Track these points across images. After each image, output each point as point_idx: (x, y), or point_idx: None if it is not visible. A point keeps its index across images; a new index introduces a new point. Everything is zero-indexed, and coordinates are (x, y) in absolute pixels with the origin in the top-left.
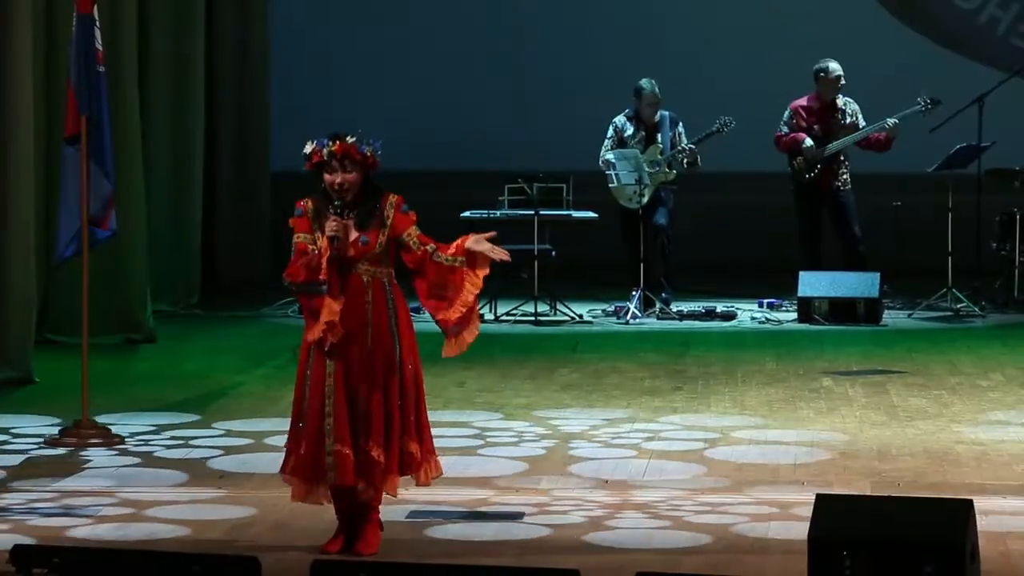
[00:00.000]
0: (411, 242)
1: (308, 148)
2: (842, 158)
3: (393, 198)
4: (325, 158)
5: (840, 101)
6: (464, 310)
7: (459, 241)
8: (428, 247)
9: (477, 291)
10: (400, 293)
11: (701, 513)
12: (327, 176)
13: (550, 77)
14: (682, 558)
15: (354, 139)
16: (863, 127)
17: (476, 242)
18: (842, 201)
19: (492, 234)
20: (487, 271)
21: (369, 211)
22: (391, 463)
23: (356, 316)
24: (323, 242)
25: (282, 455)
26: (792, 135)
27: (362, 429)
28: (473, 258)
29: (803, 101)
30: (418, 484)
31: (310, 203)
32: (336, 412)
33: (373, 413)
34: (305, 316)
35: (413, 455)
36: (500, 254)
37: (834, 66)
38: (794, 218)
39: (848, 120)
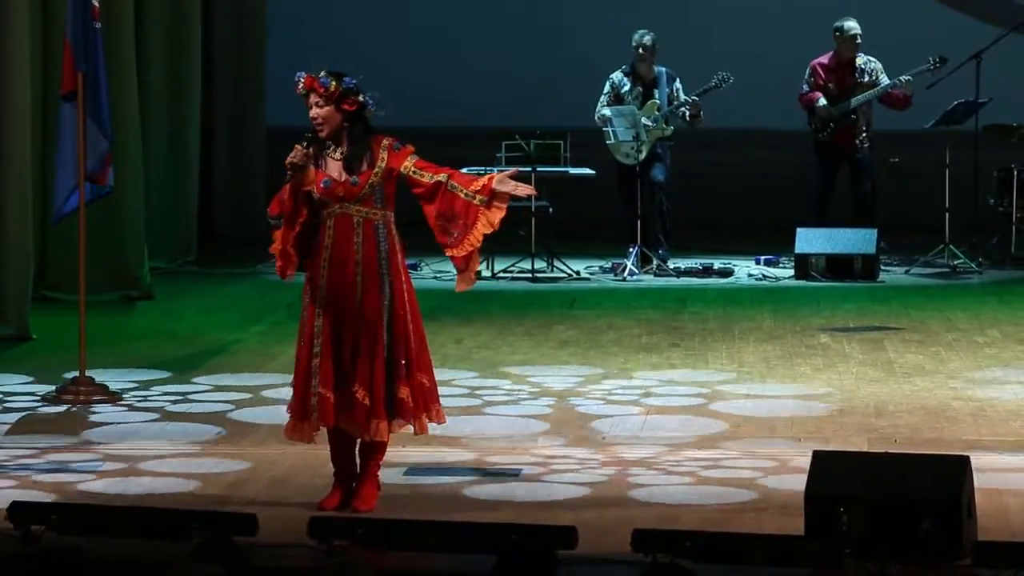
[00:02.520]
0: (411, 173)
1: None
2: (856, 116)
3: (386, 140)
4: (301, 92)
5: (860, 60)
6: (471, 250)
7: (486, 179)
8: (440, 176)
9: (489, 231)
10: (395, 237)
11: (698, 469)
12: (309, 112)
13: (547, 33)
14: (679, 514)
15: (323, 74)
16: (884, 84)
17: (500, 181)
18: (859, 158)
19: (515, 171)
20: (503, 213)
21: (359, 152)
22: (377, 407)
23: (345, 257)
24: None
25: (278, 408)
26: (809, 94)
27: (348, 371)
28: (492, 197)
29: (823, 59)
30: (415, 433)
31: (305, 142)
32: (323, 353)
33: (360, 355)
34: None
35: (404, 400)
36: (525, 189)
37: (851, 24)
38: (810, 173)
39: (867, 79)
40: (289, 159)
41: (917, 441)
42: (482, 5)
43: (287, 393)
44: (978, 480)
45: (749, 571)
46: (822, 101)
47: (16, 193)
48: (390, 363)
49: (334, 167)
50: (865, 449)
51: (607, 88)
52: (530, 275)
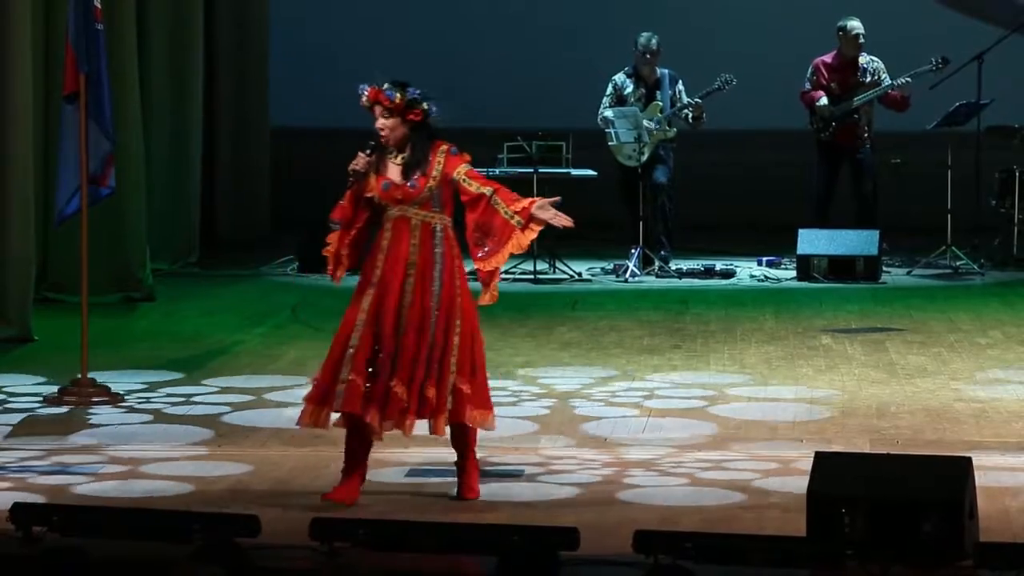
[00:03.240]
0: (461, 180)
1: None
2: (858, 116)
3: (444, 145)
4: (365, 104)
5: (864, 59)
6: (496, 266)
7: (527, 202)
8: (486, 189)
9: (517, 252)
10: (452, 242)
11: (700, 471)
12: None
13: (550, 34)
14: (680, 515)
15: (387, 85)
16: (885, 84)
17: (541, 207)
18: (860, 158)
19: (557, 199)
20: (535, 236)
21: (418, 158)
22: (412, 404)
23: (399, 256)
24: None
25: (280, 411)
26: (810, 92)
27: (387, 366)
28: (530, 220)
29: (826, 58)
30: (431, 432)
31: (368, 149)
32: (360, 344)
33: (401, 353)
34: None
35: (429, 400)
36: (563, 220)
37: (854, 23)
38: (811, 174)
39: (870, 78)
40: (352, 165)
41: (919, 442)
42: (483, 6)
43: (289, 395)
44: (980, 481)
45: (751, 572)
46: (823, 100)
47: (18, 195)
48: (427, 364)
49: (394, 171)
50: (867, 450)
51: (610, 90)
52: (532, 276)
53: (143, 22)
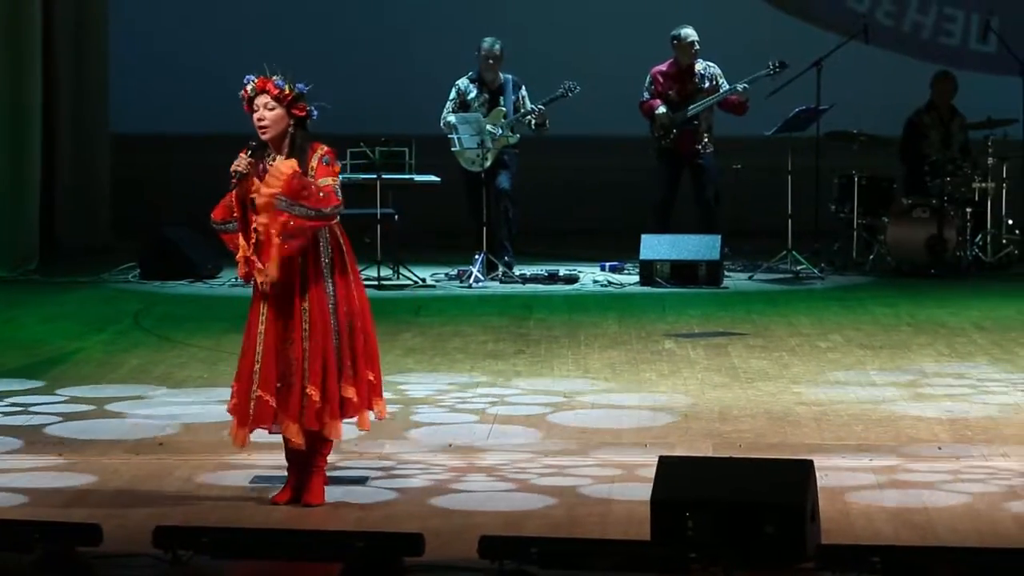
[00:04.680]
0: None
1: (241, 91)
2: (697, 122)
3: (321, 149)
4: (250, 94)
5: (699, 66)
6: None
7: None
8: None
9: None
10: (340, 238)
11: (545, 476)
12: (254, 116)
13: (391, 39)
14: (526, 520)
15: (275, 76)
16: (724, 90)
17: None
18: (700, 164)
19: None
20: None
21: (297, 157)
22: (331, 406)
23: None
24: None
25: (122, 421)
26: (649, 101)
27: (295, 372)
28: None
29: (662, 67)
30: (359, 427)
31: (248, 150)
32: (264, 357)
33: (311, 355)
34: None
35: (350, 400)
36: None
37: (687, 31)
38: (653, 180)
39: (708, 84)
40: (234, 166)
41: (761, 445)
42: (327, 11)
43: (131, 404)
44: (821, 483)
45: None
46: (662, 108)
47: None
48: (339, 362)
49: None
50: (710, 454)
51: (453, 95)
52: (376, 282)
53: None
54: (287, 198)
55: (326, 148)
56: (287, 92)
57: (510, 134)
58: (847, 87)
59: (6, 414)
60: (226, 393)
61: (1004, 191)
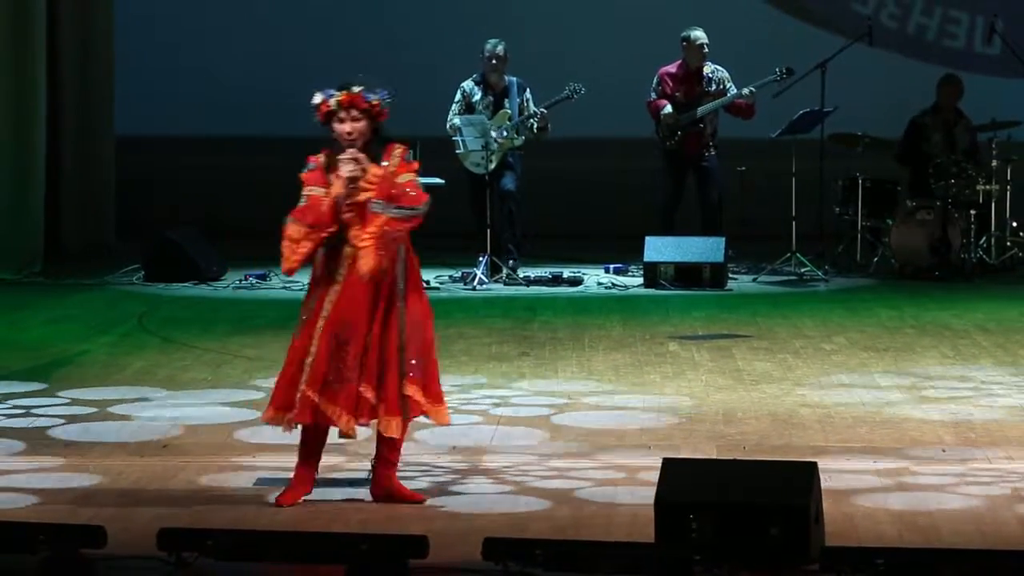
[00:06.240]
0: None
1: (316, 99)
2: (703, 125)
3: (399, 148)
4: (333, 107)
5: (708, 69)
6: None
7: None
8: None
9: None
10: (409, 243)
11: (549, 478)
12: (336, 126)
13: (395, 41)
14: (529, 523)
15: (360, 88)
16: (731, 94)
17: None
18: (705, 166)
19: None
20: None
21: (375, 161)
22: (390, 405)
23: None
24: (334, 187)
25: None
26: (656, 101)
27: (351, 371)
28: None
29: (671, 68)
30: (440, 423)
31: (322, 157)
32: (317, 354)
33: (371, 356)
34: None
35: (411, 397)
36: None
37: (697, 34)
38: (658, 182)
39: (715, 87)
40: (350, 173)
41: (765, 448)
42: (332, 13)
43: (135, 406)
44: (825, 485)
45: None
46: (668, 109)
47: None
48: (401, 364)
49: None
50: (714, 456)
51: (458, 97)
52: None
53: None
54: (382, 201)
55: (401, 146)
56: (375, 104)
57: (515, 136)
58: (851, 89)
59: (10, 416)
60: (230, 395)
61: (1008, 193)
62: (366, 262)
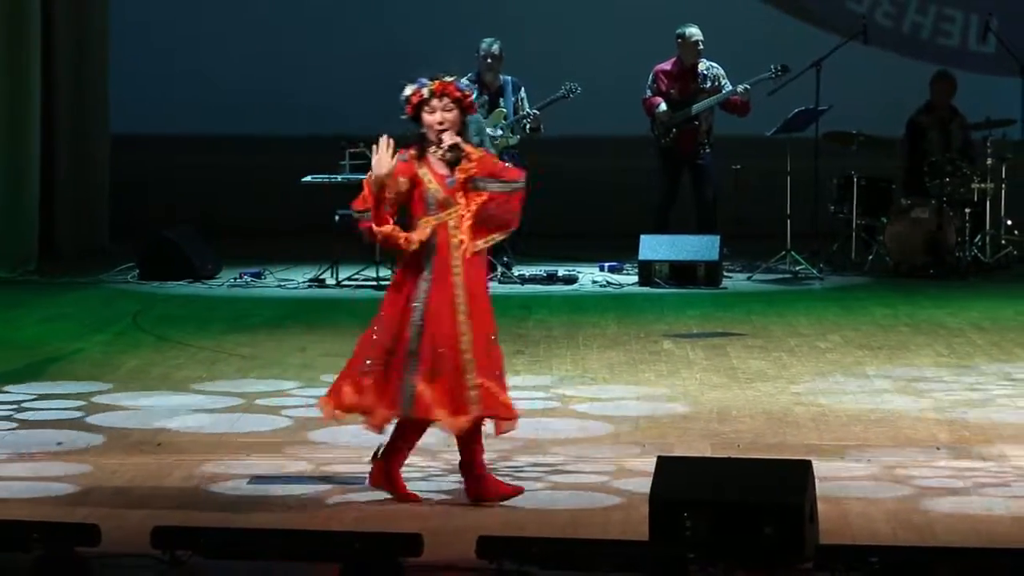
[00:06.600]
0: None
1: (407, 91)
2: (698, 122)
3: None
4: (426, 96)
5: (703, 66)
6: None
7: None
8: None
9: None
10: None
11: (543, 475)
12: (426, 116)
13: (390, 40)
14: (524, 521)
15: (452, 78)
16: (726, 91)
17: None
18: (700, 164)
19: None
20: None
21: (459, 154)
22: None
23: (442, 257)
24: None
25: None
26: (651, 99)
27: (449, 359)
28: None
29: (666, 65)
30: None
31: (412, 149)
32: (421, 350)
33: (479, 348)
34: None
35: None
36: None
37: (692, 31)
38: (653, 180)
39: (710, 84)
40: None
41: (760, 446)
42: (327, 13)
43: (128, 407)
44: (819, 484)
45: None
46: (663, 106)
47: None
48: (490, 362)
49: (440, 167)
50: (709, 454)
51: None
52: (375, 283)
53: None
54: (482, 177)
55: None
56: (467, 94)
57: (510, 135)
58: (846, 88)
59: (4, 414)
60: (225, 392)
61: (1003, 191)
62: (469, 245)
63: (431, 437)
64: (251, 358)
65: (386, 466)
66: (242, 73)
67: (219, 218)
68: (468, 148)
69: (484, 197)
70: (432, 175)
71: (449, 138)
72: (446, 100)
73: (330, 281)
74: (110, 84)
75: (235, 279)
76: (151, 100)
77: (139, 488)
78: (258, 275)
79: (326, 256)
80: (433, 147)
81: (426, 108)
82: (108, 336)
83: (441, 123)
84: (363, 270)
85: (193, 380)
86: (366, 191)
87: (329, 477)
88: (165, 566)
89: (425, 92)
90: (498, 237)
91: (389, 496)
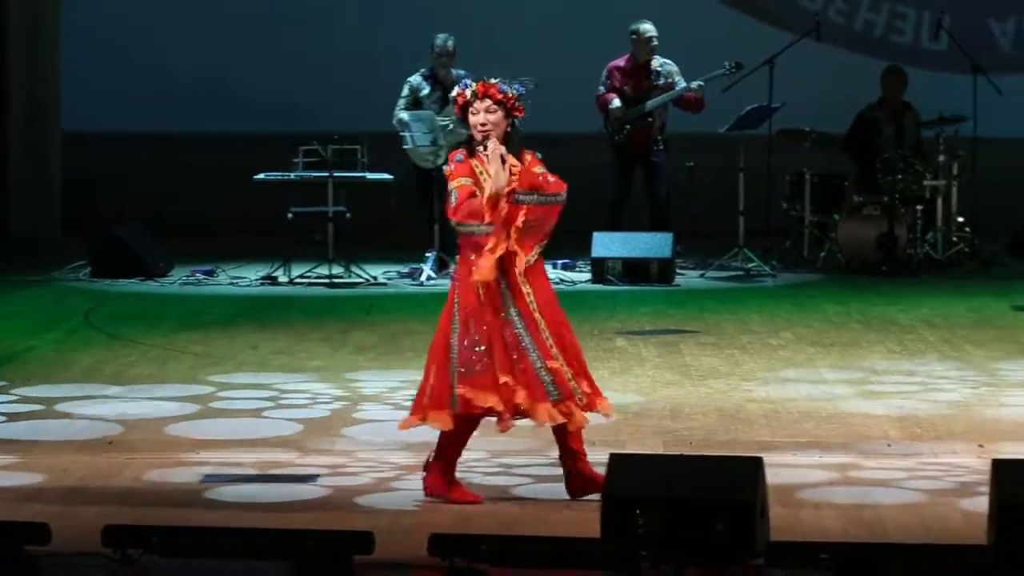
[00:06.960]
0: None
1: (454, 91)
2: (651, 119)
3: (530, 155)
4: (468, 97)
5: (656, 62)
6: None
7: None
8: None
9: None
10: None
11: (495, 474)
12: (471, 118)
13: (343, 36)
14: (476, 518)
15: (496, 80)
16: (680, 88)
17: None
18: (654, 161)
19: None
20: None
21: (513, 155)
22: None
23: (511, 257)
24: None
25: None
26: (604, 95)
27: (524, 355)
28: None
29: (619, 62)
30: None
31: (464, 150)
32: (494, 344)
33: (561, 338)
34: (465, 256)
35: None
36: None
37: (646, 27)
38: (606, 177)
39: (663, 81)
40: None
41: (712, 443)
42: (279, 10)
43: (80, 405)
44: (771, 481)
45: (546, 574)
46: (616, 102)
47: None
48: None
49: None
50: (661, 451)
51: (406, 91)
52: (327, 280)
53: None
54: (523, 190)
55: (529, 151)
56: (511, 96)
57: (462, 131)
58: (799, 85)
59: None
60: (176, 391)
61: (955, 189)
62: (519, 261)
63: (382, 436)
64: (203, 356)
65: (445, 469)
66: (195, 70)
67: (172, 215)
68: (511, 159)
69: (523, 210)
70: (488, 174)
71: (493, 145)
72: (488, 102)
73: (283, 279)
74: (62, 81)
75: (187, 277)
76: (104, 96)
77: (90, 487)
78: (210, 273)
79: (279, 254)
80: (480, 147)
81: (471, 109)
82: (60, 334)
83: (484, 124)
84: (315, 267)
85: (145, 378)
86: (485, 205)
87: (280, 476)
88: (116, 565)
89: (468, 93)
90: (542, 246)
91: (341, 494)
